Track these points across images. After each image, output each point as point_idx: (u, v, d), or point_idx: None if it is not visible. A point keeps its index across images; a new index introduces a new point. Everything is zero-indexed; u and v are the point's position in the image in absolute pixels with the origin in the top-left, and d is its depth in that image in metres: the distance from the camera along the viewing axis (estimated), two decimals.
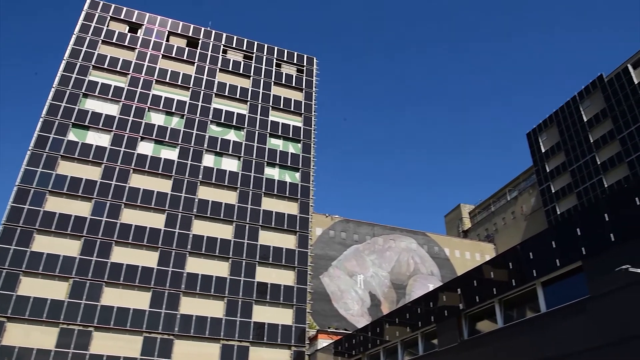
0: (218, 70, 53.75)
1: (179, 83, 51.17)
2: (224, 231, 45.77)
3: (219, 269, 44.04)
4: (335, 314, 59.82)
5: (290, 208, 49.32)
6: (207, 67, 53.30)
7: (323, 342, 45.29)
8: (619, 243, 16.34)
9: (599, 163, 61.30)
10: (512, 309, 21.61)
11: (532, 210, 74.42)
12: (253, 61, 56.07)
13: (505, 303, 21.80)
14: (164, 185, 45.75)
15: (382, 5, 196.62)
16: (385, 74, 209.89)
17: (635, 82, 58.05)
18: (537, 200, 72.92)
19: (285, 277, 45.89)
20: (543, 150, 70.65)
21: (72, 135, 45.01)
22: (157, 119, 48.88)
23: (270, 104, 54.20)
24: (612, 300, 16.16)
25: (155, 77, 50.42)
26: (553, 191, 67.53)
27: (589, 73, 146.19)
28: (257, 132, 51.92)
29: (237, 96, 53.08)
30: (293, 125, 53.90)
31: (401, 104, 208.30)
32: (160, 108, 49.28)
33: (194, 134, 49.18)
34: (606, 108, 61.44)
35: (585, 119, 64.57)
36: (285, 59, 58.16)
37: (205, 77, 52.66)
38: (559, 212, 65.52)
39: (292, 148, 52.73)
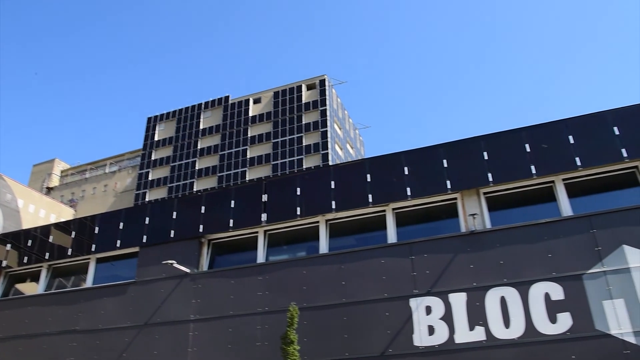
0: None
1: None
2: None
3: None
4: None
5: None
6: None
7: None
8: (175, 240, 18.32)
9: (196, 168, 67.94)
10: (63, 277, 21.17)
11: (125, 190, 75.79)
12: None
13: (55, 270, 21.20)
14: None
15: None
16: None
17: (250, 114, 67.67)
18: (133, 181, 74.83)
19: None
20: (156, 139, 73.61)
21: None
22: None
23: None
24: (149, 288, 17.85)
25: None
26: (149, 179, 70.78)
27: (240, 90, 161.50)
28: None
29: None
30: None
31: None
32: None
33: None
34: (220, 125, 69.22)
35: (201, 127, 70.95)
36: None
37: None
38: (147, 199, 68.86)
39: None
